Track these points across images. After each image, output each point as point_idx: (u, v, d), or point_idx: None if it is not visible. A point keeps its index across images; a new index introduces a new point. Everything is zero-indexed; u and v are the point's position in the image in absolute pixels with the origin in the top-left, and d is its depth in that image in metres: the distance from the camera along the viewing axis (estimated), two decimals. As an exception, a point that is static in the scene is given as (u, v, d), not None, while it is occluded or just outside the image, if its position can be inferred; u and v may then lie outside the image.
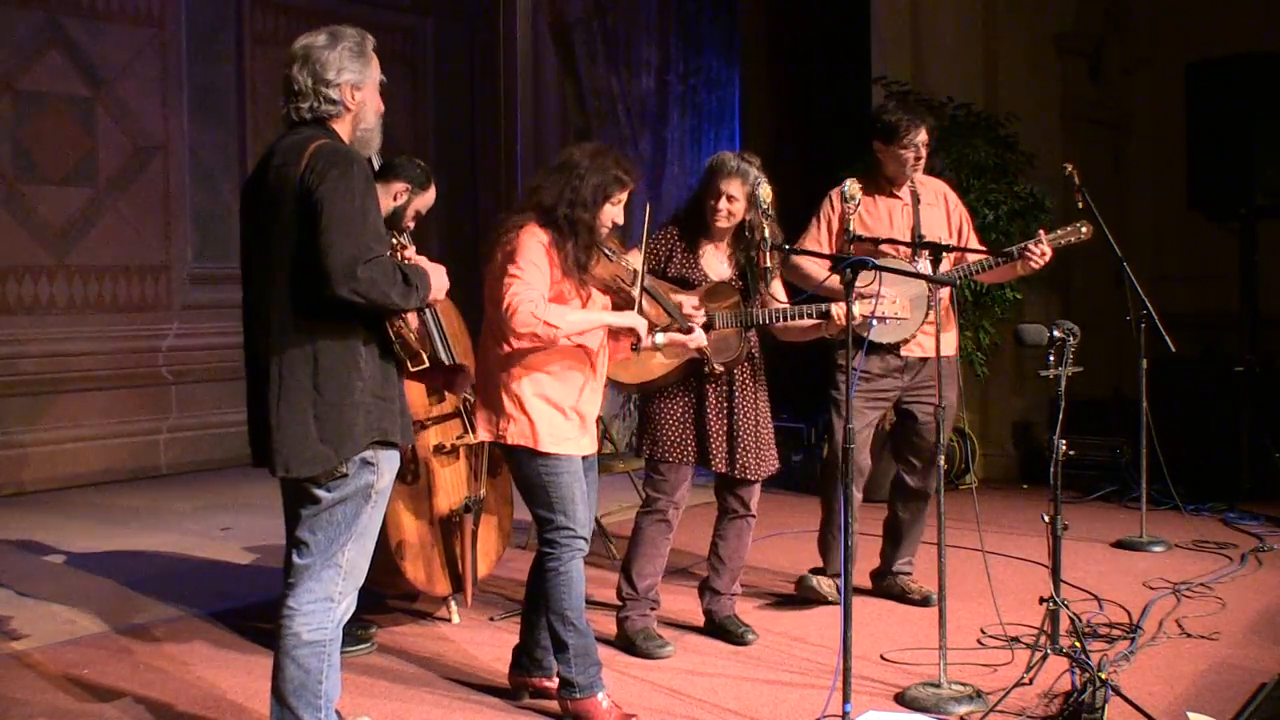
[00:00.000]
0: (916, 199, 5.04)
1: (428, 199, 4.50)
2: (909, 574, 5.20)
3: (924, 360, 4.96)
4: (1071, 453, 4.41)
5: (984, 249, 5.09)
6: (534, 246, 3.68)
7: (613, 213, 3.79)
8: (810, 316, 4.36)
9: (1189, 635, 4.59)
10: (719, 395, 4.46)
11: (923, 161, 5.03)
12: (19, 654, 4.46)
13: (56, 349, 7.95)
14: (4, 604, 5.08)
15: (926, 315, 4.85)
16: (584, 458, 3.85)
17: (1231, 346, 7.83)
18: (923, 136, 4.98)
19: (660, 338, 4.02)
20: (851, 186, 4.26)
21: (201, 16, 8.70)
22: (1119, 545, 6.14)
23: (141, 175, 8.45)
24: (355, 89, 3.14)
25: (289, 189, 3.01)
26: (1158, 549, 6.04)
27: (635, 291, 3.83)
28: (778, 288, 4.56)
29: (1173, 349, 5.98)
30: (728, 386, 4.47)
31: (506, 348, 3.71)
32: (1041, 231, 4.84)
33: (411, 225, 4.52)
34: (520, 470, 3.78)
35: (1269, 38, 7.94)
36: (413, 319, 3.17)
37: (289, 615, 3.15)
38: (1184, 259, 9.13)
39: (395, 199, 4.38)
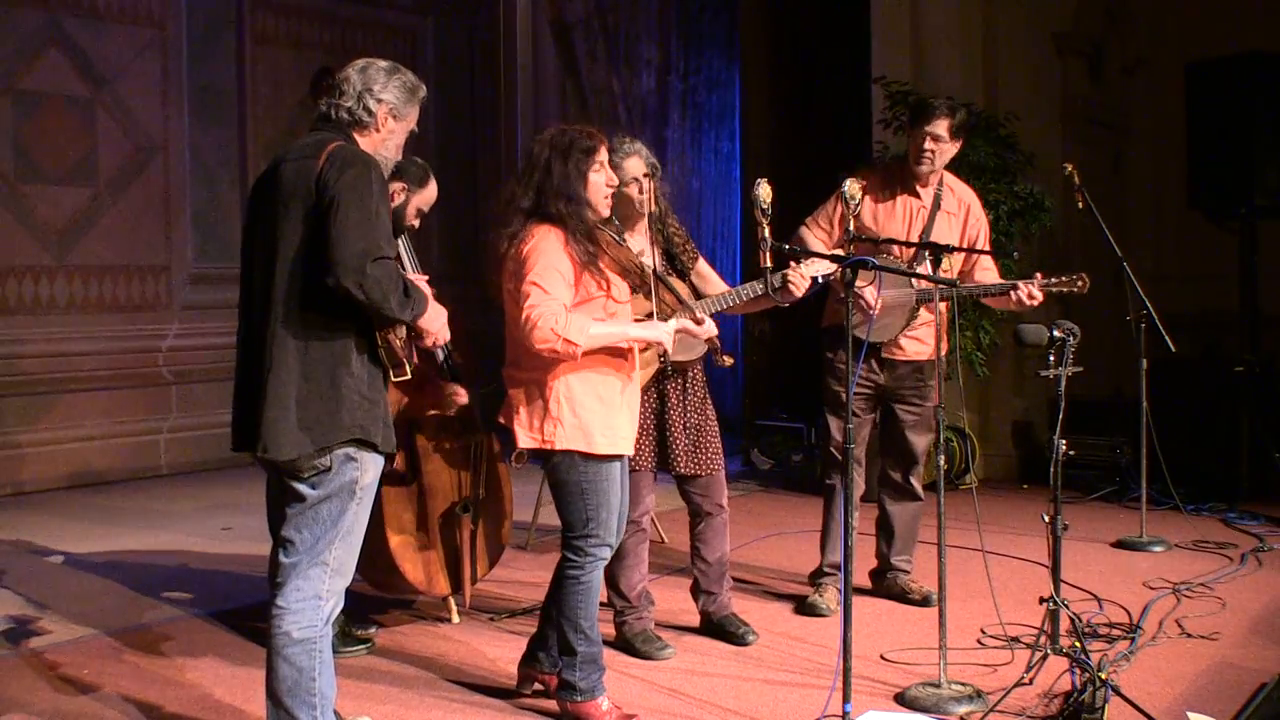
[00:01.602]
0: (937, 204, 4.99)
1: (428, 196, 4.48)
2: (908, 573, 5.20)
3: (906, 363, 4.98)
4: (1071, 453, 4.41)
5: (988, 250, 5.06)
6: (551, 247, 3.59)
7: (600, 180, 3.70)
8: (766, 289, 4.32)
9: (1189, 635, 4.59)
10: (678, 396, 4.44)
11: (929, 157, 4.90)
12: (19, 654, 4.46)
13: (56, 349, 7.95)
14: (4, 604, 5.08)
15: (908, 323, 4.87)
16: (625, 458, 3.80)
17: (1231, 346, 7.84)
18: (935, 127, 4.87)
19: (672, 323, 3.94)
20: (852, 187, 4.25)
21: (201, 16, 8.71)
22: (1119, 545, 6.14)
23: (141, 175, 8.45)
24: (393, 115, 3.28)
25: (305, 183, 3.09)
26: (1158, 549, 6.04)
27: (649, 276, 3.80)
28: (703, 265, 4.54)
29: (1173, 349, 5.98)
30: (682, 386, 4.45)
31: None
32: (1039, 275, 4.78)
33: (415, 223, 4.51)
34: (562, 475, 3.69)
35: (1269, 38, 7.94)
36: (402, 330, 3.19)
37: (278, 614, 3.17)
38: (1184, 259, 9.13)
39: (393, 199, 4.36)
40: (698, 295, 4.48)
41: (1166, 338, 5.98)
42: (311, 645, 3.17)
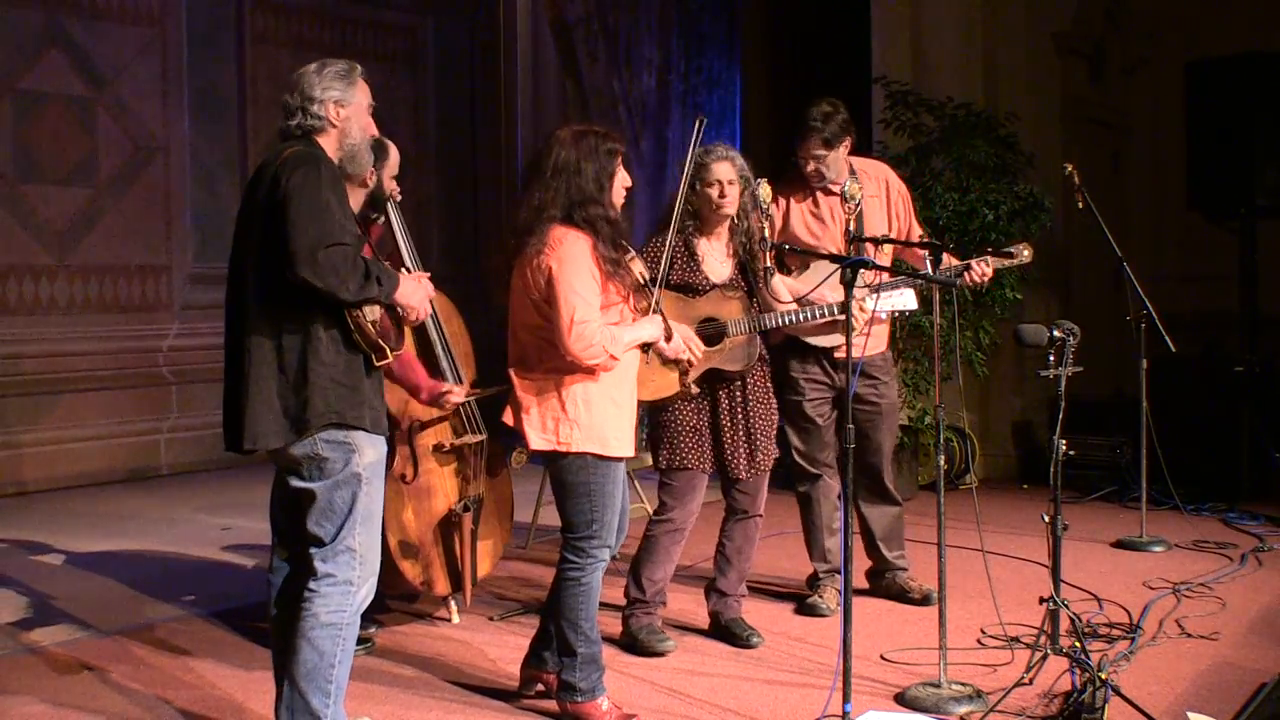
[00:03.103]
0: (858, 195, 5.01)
1: (393, 165, 4.46)
2: (906, 570, 5.18)
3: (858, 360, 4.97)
4: (1071, 453, 4.42)
5: (924, 238, 5.07)
6: (581, 254, 3.59)
7: (619, 184, 3.71)
8: (823, 315, 4.38)
9: (1189, 635, 4.59)
10: (733, 400, 4.44)
11: (816, 175, 4.88)
12: (19, 653, 4.46)
13: (56, 349, 7.95)
14: (5, 604, 5.08)
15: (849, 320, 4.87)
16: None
17: (1231, 346, 7.84)
18: (810, 149, 4.84)
19: (658, 317, 3.93)
20: (852, 187, 4.26)
21: (201, 16, 8.71)
22: (1119, 545, 6.14)
23: (141, 175, 8.46)
24: (339, 106, 3.35)
25: (265, 188, 3.23)
26: (1158, 549, 6.03)
27: (649, 287, 3.82)
28: (778, 282, 4.56)
29: (1173, 349, 5.98)
30: (741, 391, 4.46)
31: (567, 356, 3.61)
32: (990, 254, 4.88)
33: (396, 193, 4.50)
34: (571, 476, 3.68)
35: (1269, 38, 7.94)
36: (372, 312, 3.24)
37: (309, 597, 3.26)
38: (1184, 259, 9.13)
39: (369, 182, 4.37)
40: (764, 309, 4.49)
41: (1166, 338, 5.98)
42: (337, 631, 3.26)
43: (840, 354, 4.90)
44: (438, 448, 4.68)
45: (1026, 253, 4.86)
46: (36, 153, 7.93)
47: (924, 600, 5.01)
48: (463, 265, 9.37)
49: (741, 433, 4.45)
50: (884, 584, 5.20)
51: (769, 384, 4.57)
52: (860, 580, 5.21)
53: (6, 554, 6.05)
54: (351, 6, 9.74)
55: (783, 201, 4.95)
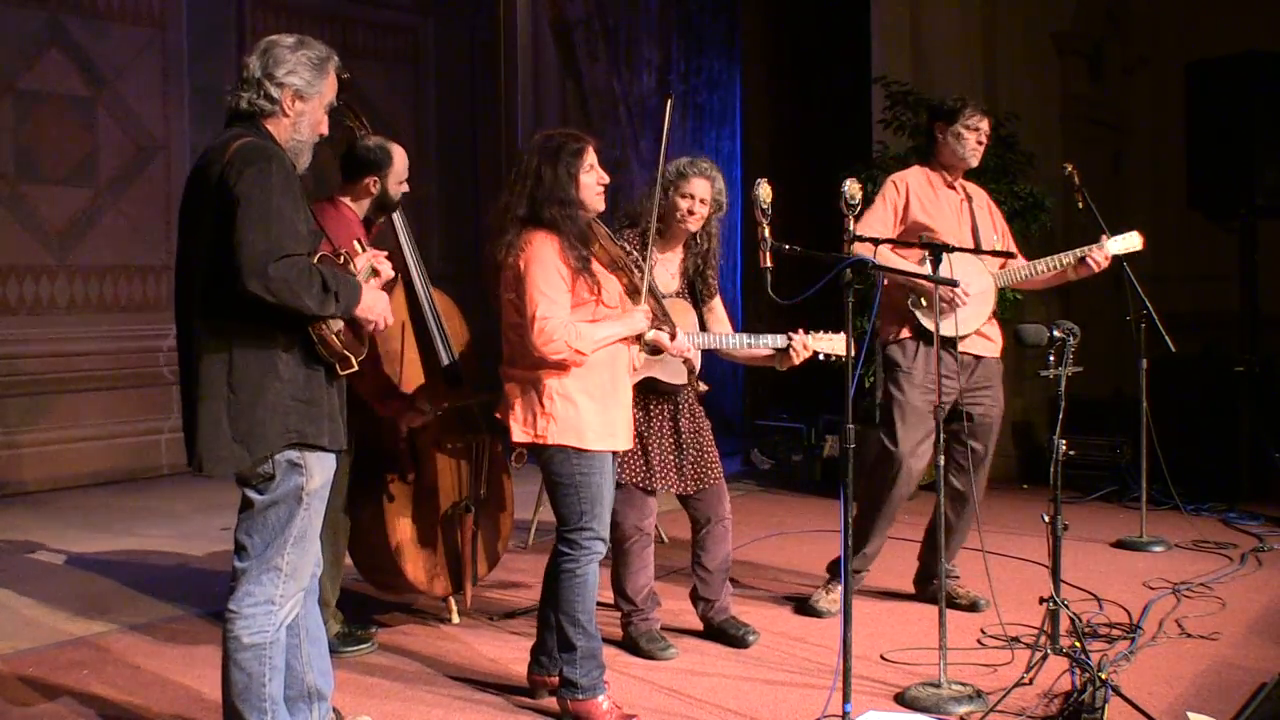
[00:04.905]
0: (969, 199, 5.03)
1: (399, 169, 4.44)
2: (956, 577, 5.13)
3: (977, 359, 4.93)
4: (1071, 453, 4.41)
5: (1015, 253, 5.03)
6: (548, 255, 3.64)
7: (591, 181, 3.73)
8: (763, 344, 4.35)
9: (1189, 635, 4.59)
10: (663, 417, 4.44)
11: (981, 150, 4.95)
12: (18, 654, 4.46)
13: (57, 349, 7.95)
14: (3, 604, 5.08)
15: (990, 313, 4.88)
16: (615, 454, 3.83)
17: (1231, 346, 7.84)
18: (986, 125, 4.93)
19: (649, 333, 3.94)
20: (852, 187, 4.25)
21: (202, 16, 8.71)
22: (1119, 545, 6.14)
23: (141, 175, 8.46)
24: (298, 97, 3.11)
25: (210, 186, 2.99)
26: (1158, 549, 6.04)
27: (642, 275, 3.82)
28: (717, 303, 4.59)
29: (1173, 349, 5.99)
30: (673, 407, 4.45)
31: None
32: (1104, 237, 4.98)
33: (404, 189, 4.49)
34: (555, 469, 3.73)
35: (1269, 38, 7.94)
36: (336, 323, 3.03)
37: (230, 619, 3.12)
38: (1184, 259, 9.13)
39: (371, 189, 4.37)
40: (703, 328, 4.49)
41: (1166, 338, 5.99)
42: (261, 651, 3.11)
43: (965, 350, 4.83)
44: (440, 448, 4.68)
45: (1140, 242, 5.04)
46: (36, 153, 7.92)
47: (971, 606, 4.94)
48: (463, 265, 9.38)
49: (672, 448, 4.42)
50: (933, 589, 5.09)
51: (698, 402, 4.54)
52: (907, 585, 5.19)
53: (6, 554, 6.05)
54: (351, 6, 9.74)
55: (903, 189, 4.93)
